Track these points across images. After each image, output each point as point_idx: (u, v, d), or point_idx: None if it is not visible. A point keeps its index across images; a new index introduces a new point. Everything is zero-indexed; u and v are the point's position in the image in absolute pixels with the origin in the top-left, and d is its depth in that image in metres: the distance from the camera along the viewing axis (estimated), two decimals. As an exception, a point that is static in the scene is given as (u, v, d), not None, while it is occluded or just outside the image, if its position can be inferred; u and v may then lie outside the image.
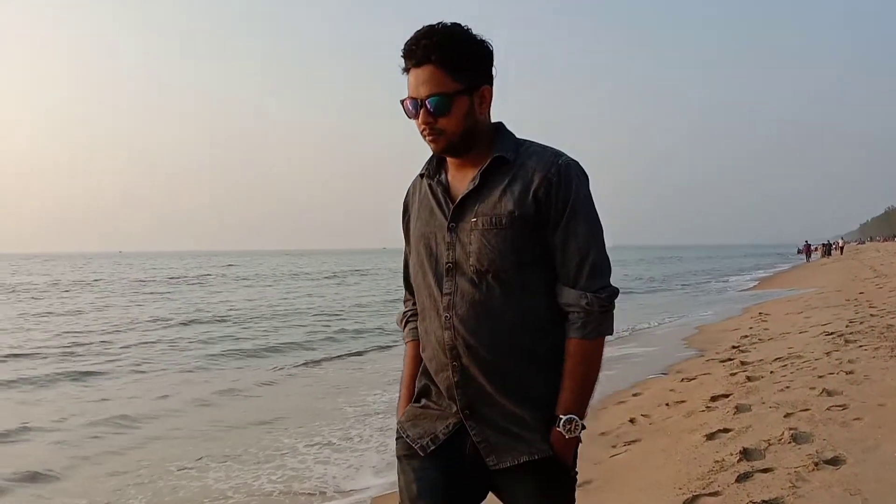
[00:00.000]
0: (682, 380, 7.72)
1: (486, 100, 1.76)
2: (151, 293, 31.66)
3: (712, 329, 13.66)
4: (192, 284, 38.50)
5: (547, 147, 1.81)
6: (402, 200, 1.99)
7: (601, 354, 1.77)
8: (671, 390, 7.22)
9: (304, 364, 11.90)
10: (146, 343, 14.84)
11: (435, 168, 1.87)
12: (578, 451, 1.82)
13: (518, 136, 1.87)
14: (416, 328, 1.92)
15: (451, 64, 1.68)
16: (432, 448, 1.78)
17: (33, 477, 5.83)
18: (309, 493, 5.29)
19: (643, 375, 8.69)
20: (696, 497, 3.78)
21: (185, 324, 18.46)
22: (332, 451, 6.39)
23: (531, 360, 1.75)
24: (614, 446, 5.34)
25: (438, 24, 1.71)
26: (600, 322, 1.73)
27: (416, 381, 1.88)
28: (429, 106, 1.70)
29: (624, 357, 10.85)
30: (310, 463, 6.05)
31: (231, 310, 22.63)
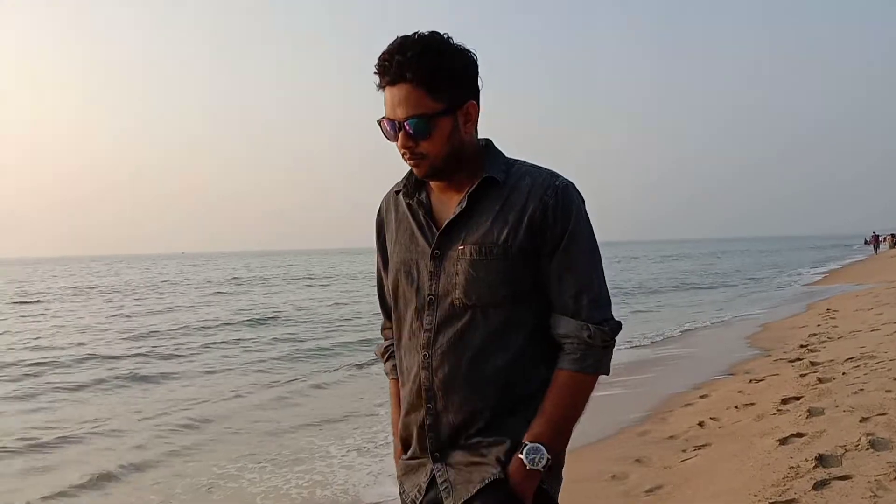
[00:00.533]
0: (750, 381, 7.59)
1: (472, 117, 1.58)
2: (218, 294, 32.43)
3: (777, 327, 13.36)
4: (256, 285, 39.35)
5: (541, 167, 1.64)
6: (375, 217, 1.80)
7: (591, 392, 1.60)
8: (739, 392, 7.12)
9: (357, 366, 12.03)
10: (214, 344, 15.26)
11: (414, 186, 1.68)
12: (552, 491, 1.62)
13: (508, 153, 1.70)
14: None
15: (430, 81, 1.50)
16: (420, 500, 1.64)
17: (97, 478, 6.08)
18: (331, 500, 5.38)
19: (707, 376, 8.59)
20: (772, 504, 3.75)
21: (250, 325, 18.89)
22: (359, 454, 6.49)
23: (518, 407, 1.59)
24: (684, 450, 5.31)
25: (413, 35, 1.52)
26: (600, 357, 1.59)
27: (401, 428, 1.71)
28: (408, 128, 1.53)
29: (679, 356, 10.73)
30: (336, 468, 6.15)
31: (297, 309, 23.02)
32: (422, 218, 1.65)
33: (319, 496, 5.47)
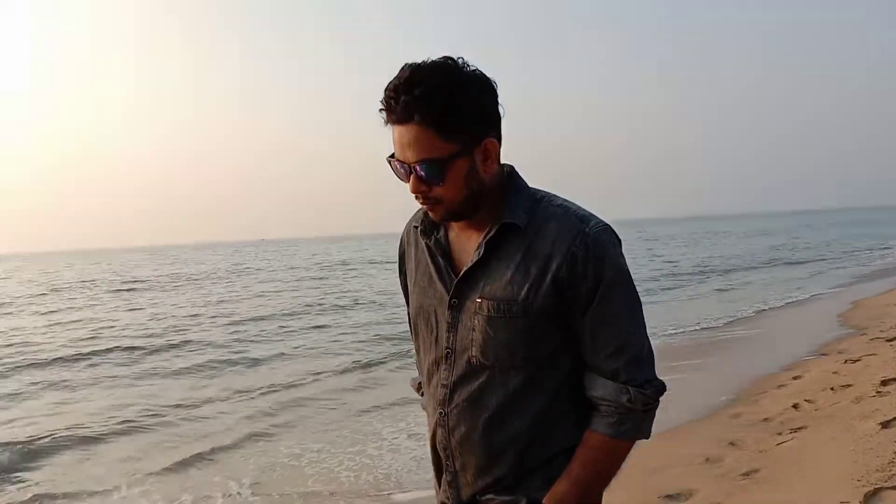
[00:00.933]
0: (845, 361, 7.36)
1: (492, 154, 1.40)
2: (302, 279, 33.03)
3: (871, 304, 12.79)
4: (336, 270, 40.03)
5: (569, 207, 1.45)
6: (397, 249, 1.68)
7: (625, 457, 1.46)
8: (834, 373, 6.92)
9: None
10: (302, 328, 15.63)
11: (432, 223, 1.53)
12: None
13: (534, 184, 1.50)
14: None
15: (441, 121, 1.33)
16: None
17: (188, 460, 6.39)
18: (373, 486, 5.49)
19: (797, 356, 8.37)
20: (878, 490, 3.67)
21: (335, 310, 19.20)
22: (408, 438, 6.59)
23: (538, 467, 1.46)
24: (779, 433, 5.23)
25: (422, 65, 1.34)
26: (640, 422, 1.43)
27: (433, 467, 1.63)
28: (419, 172, 1.37)
29: (765, 336, 10.47)
30: (384, 451, 6.26)
31: (379, 293, 23.19)
32: (440, 261, 1.50)
33: (364, 480, 5.62)
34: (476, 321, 1.43)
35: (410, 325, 1.60)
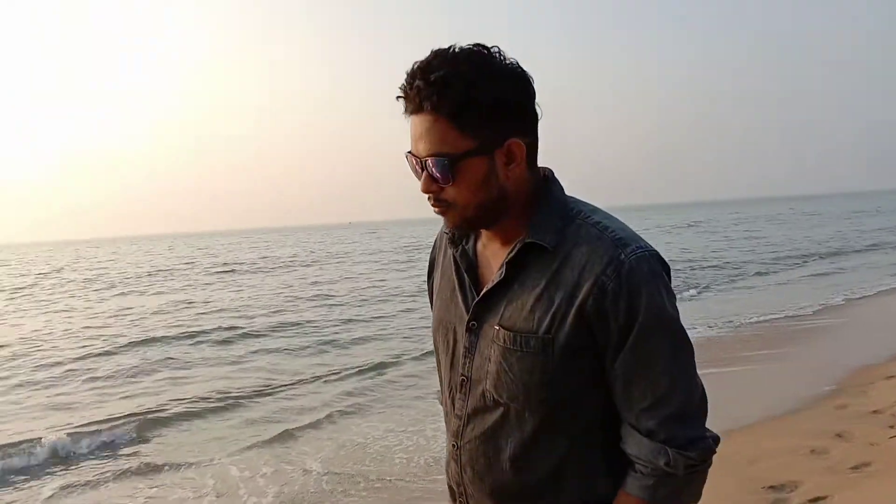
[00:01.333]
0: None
1: (517, 157, 1.20)
2: (392, 262, 33.24)
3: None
4: (425, 252, 39.80)
5: (607, 227, 1.22)
6: (430, 253, 1.52)
7: None
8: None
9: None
10: (392, 313, 15.67)
11: (460, 233, 1.36)
12: None
13: (573, 194, 1.30)
14: None
15: (458, 113, 1.15)
16: None
17: (277, 437, 6.69)
18: (422, 468, 5.53)
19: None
20: None
21: (424, 294, 19.12)
22: None
23: None
24: (892, 426, 4.96)
25: (446, 50, 1.18)
26: (682, 487, 1.21)
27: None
28: (430, 169, 1.20)
29: (865, 324, 9.92)
30: (439, 433, 6.24)
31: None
32: (464, 276, 1.33)
33: (415, 462, 5.68)
34: (493, 351, 1.25)
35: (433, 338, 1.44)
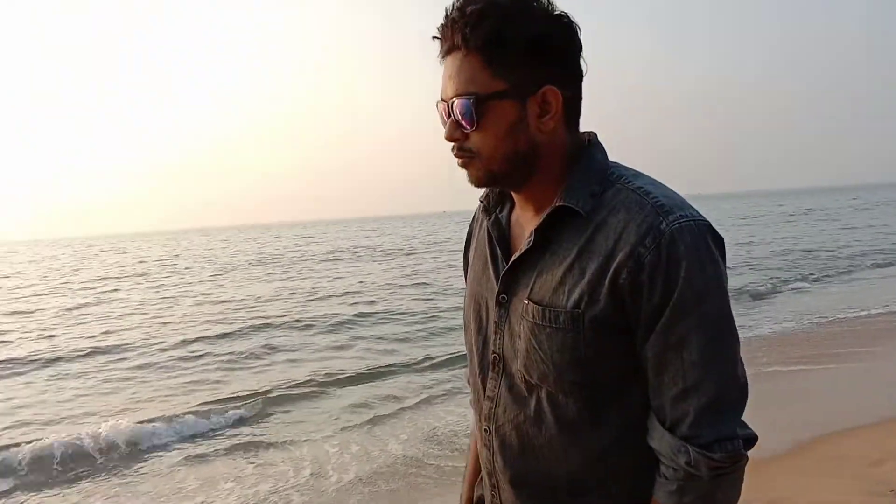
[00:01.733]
0: None
1: (553, 107, 1.09)
2: None
3: None
4: None
5: (649, 192, 1.09)
6: (468, 224, 1.41)
7: None
8: None
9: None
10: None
11: (497, 198, 1.28)
12: None
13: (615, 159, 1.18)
14: None
15: (490, 48, 1.06)
16: None
17: (376, 418, 7.03)
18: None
19: None
20: None
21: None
22: None
23: None
24: None
25: None
26: (712, 491, 1.07)
27: (476, 487, 1.42)
28: (455, 112, 1.10)
29: None
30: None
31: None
32: (496, 244, 1.23)
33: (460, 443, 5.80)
34: (522, 327, 1.14)
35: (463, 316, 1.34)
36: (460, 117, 1.10)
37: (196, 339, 12.27)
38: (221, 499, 5.11)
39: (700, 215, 1.07)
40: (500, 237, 1.23)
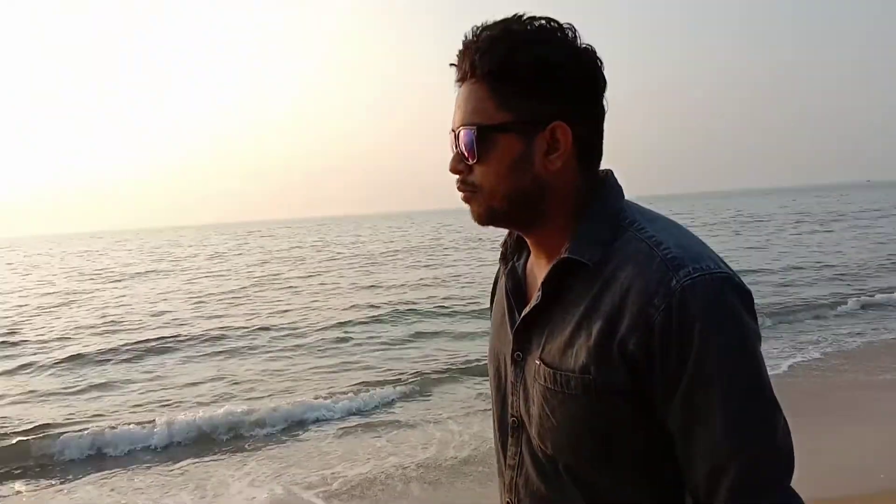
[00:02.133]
0: None
1: (563, 146, 1.01)
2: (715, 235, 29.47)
3: None
4: (751, 225, 35.65)
5: (661, 242, 0.98)
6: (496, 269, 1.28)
7: None
8: None
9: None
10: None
11: (514, 244, 1.19)
12: None
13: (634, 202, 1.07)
14: None
15: (497, 76, 0.99)
16: None
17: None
18: None
19: None
20: None
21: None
22: None
23: None
24: None
25: (512, 15, 1.02)
26: None
27: None
28: (459, 142, 1.03)
29: None
30: None
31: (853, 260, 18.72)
32: (511, 297, 1.14)
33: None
34: (535, 390, 1.04)
35: None
36: (463, 148, 1.03)
37: (350, 323, 13.31)
38: (358, 467, 5.88)
39: (718, 266, 0.95)
40: (515, 288, 1.14)
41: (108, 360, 11.11)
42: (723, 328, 0.92)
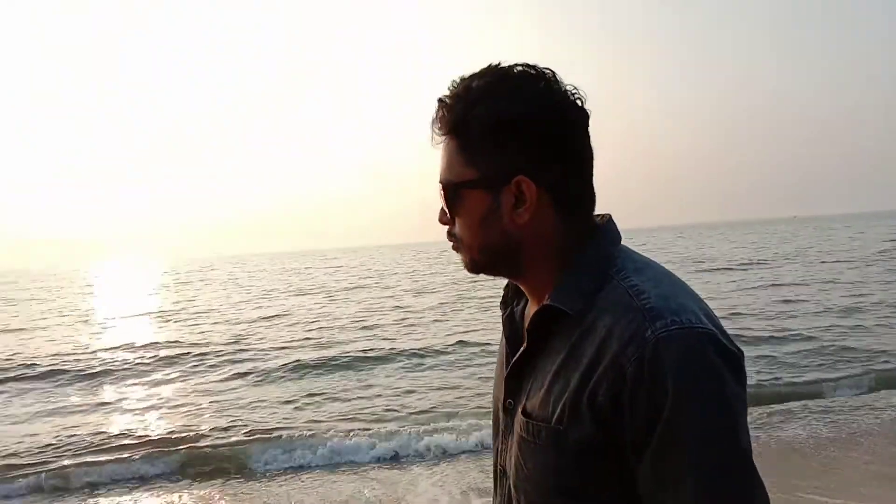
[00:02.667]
0: None
1: (528, 199, 0.97)
2: (866, 262, 27.16)
3: None
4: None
5: (643, 290, 0.92)
6: None
7: None
8: None
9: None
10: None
11: (514, 289, 1.15)
12: None
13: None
14: None
15: (461, 135, 0.99)
16: None
17: None
18: None
19: None
20: None
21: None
22: None
23: None
24: None
25: (487, 66, 0.99)
26: None
27: None
28: (440, 196, 1.05)
29: None
30: None
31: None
32: (508, 342, 1.11)
33: None
34: (513, 439, 1.03)
35: None
36: (442, 203, 1.04)
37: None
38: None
39: (702, 321, 0.89)
40: (511, 334, 1.12)
41: (323, 368, 11.60)
42: (699, 387, 0.86)
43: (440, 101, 1.02)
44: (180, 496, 6.21)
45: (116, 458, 7.15)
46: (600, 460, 0.91)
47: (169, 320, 21.09)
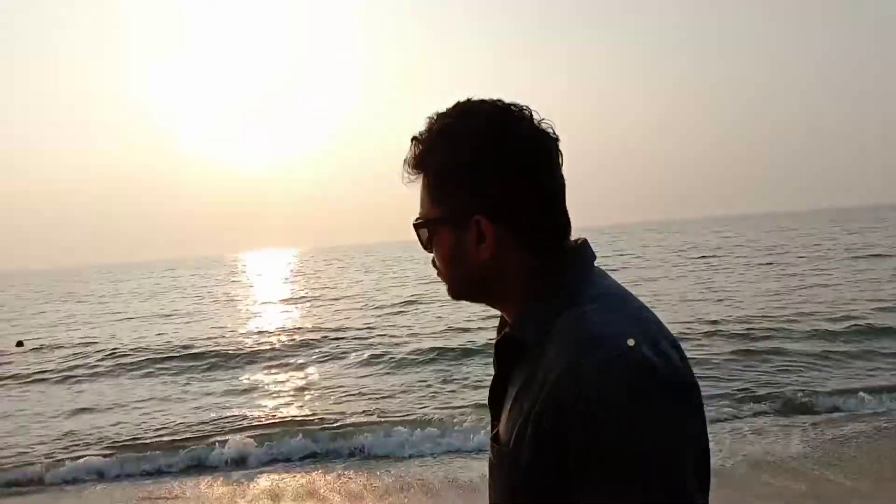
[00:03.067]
0: None
1: (488, 237, 0.99)
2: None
3: None
4: None
5: (590, 318, 0.92)
6: None
7: None
8: None
9: None
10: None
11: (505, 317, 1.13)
12: None
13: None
14: None
15: (426, 175, 1.03)
16: None
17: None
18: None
19: None
20: None
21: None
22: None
23: None
24: None
25: (455, 106, 1.02)
26: None
27: None
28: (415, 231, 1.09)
29: None
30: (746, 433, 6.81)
31: None
32: (494, 370, 1.09)
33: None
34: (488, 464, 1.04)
35: None
36: (417, 237, 1.08)
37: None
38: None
39: (646, 352, 0.86)
40: (496, 360, 1.08)
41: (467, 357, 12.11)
42: (630, 416, 0.84)
43: (413, 139, 1.03)
44: (341, 474, 6.85)
45: (288, 433, 8.07)
46: (551, 485, 0.90)
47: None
